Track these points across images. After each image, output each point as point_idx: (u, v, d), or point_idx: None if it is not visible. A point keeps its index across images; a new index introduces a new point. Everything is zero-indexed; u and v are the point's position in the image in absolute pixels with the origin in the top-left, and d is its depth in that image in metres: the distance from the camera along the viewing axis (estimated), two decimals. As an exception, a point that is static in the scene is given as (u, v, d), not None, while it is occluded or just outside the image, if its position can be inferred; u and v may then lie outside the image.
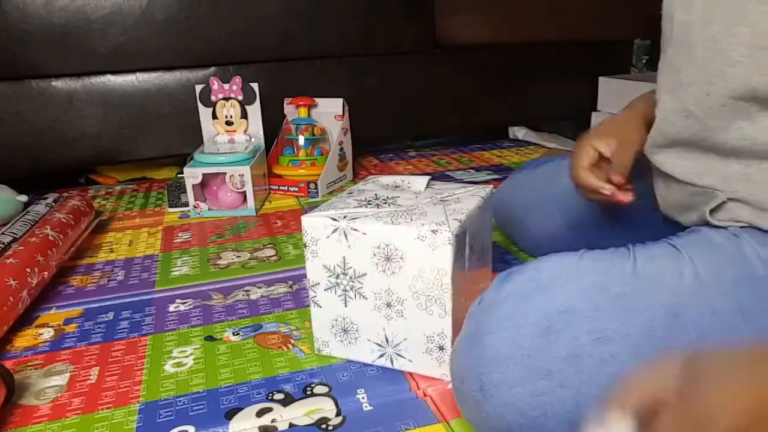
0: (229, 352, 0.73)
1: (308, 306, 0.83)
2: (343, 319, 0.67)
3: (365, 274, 0.63)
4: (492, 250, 0.76)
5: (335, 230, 0.63)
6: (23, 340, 0.78)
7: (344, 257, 0.64)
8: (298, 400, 0.63)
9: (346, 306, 0.66)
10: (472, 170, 1.50)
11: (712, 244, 0.50)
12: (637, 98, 0.73)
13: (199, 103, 1.29)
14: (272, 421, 0.60)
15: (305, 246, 0.65)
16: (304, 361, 0.70)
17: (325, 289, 0.66)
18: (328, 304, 0.67)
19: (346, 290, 0.65)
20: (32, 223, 0.95)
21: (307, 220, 0.64)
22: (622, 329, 0.44)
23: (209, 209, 1.22)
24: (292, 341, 0.74)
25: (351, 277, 0.64)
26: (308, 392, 0.64)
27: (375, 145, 1.70)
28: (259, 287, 0.90)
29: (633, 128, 0.68)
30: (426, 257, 0.60)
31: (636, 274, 0.47)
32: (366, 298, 0.64)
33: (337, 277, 0.65)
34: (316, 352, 0.70)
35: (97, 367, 0.71)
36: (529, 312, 0.47)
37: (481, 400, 0.47)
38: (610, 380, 0.43)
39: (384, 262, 0.62)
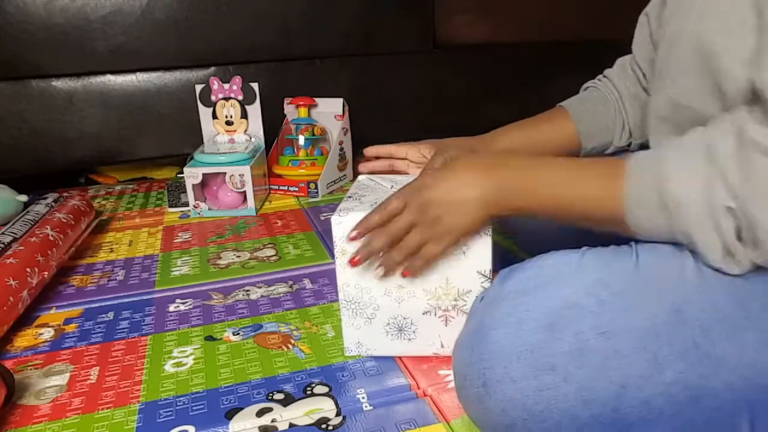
0: (229, 352, 0.73)
1: (308, 306, 0.83)
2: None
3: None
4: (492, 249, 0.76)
5: None
6: (23, 340, 0.78)
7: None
8: (298, 400, 0.63)
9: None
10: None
11: None
12: (499, 129, 0.78)
13: (199, 103, 1.28)
14: (272, 421, 0.60)
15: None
16: (304, 361, 0.70)
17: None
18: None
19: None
20: (32, 223, 0.95)
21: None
22: (625, 324, 0.45)
23: (209, 209, 1.22)
24: (292, 341, 0.74)
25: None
26: (308, 392, 0.64)
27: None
28: (259, 287, 0.90)
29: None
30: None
31: (638, 271, 0.47)
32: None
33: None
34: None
35: (97, 367, 0.71)
36: (532, 307, 0.47)
37: (484, 395, 0.47)
38: (615, 375, 0.44)
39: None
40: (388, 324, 0.66)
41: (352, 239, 0.60)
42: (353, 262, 0.60)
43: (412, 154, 0.78)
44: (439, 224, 0.56)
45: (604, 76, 0.79)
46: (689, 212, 0.43)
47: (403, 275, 0.61)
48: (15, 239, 0.88)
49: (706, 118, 0.50)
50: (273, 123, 1.38)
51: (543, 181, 0.52)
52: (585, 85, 0.82)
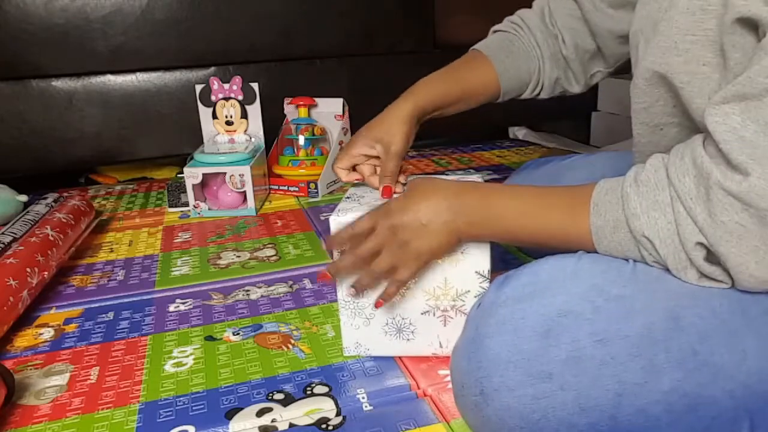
0: (229, 352, 0.73)
1: (308, 306, 0.83)
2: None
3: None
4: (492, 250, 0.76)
5: None
6: (23, 340, 0.78)
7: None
8: (298, 400, 0.63)
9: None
10: (472, 170, 1.50)
11: None
12: (420, 82, 0.76)
13: (199, 103, 1.29)
14: (272, 421, 0.60)
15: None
16: (304, 361, 0.70)
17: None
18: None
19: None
20: (32, 223, 0.95)
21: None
22: (621, 331, 0.44)
23: (209, 209, 1.22)
24: (292, 341, 0.74)
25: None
26: (308, 392, 0.64)
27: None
28: (259, 287, 0.90)
29: (398, 134, 0.69)
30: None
31: (635, 276, 0.47)
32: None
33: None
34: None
35: (97, 367, 0.71)
36: (527, 315, 0.47)
37: (482, 404, 0.47)
38: (611, 382, 0.44)
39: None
40: (387, 324, 0.66)
41: (328, 250, 0.62)
42: (321, 277, 0.62)
43: (358, 160, 0.73)
44: (407, 248, 0.57)
45: (526, 25, 0.78)
46: (661, 247, 0.45)
47: (376, 306, 0.62)
48: (15, 239, 0.88)
49: (689, 130, 0.51)
50: (273, 123, 1.38)
51: (507, 212, 0.54)
52: (503, 29, 0.80)
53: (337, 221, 0.63)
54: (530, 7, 0.81)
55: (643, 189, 0.45)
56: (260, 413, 0.61)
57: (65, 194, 1.14)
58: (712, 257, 0.44)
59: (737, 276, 0.43)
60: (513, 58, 0.77)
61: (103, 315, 0.84)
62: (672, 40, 0.47)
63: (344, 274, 0.63)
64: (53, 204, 1.07)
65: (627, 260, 0.48)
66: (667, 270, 0.46)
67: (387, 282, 0.61)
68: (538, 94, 0.80)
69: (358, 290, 0.62)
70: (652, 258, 0.46)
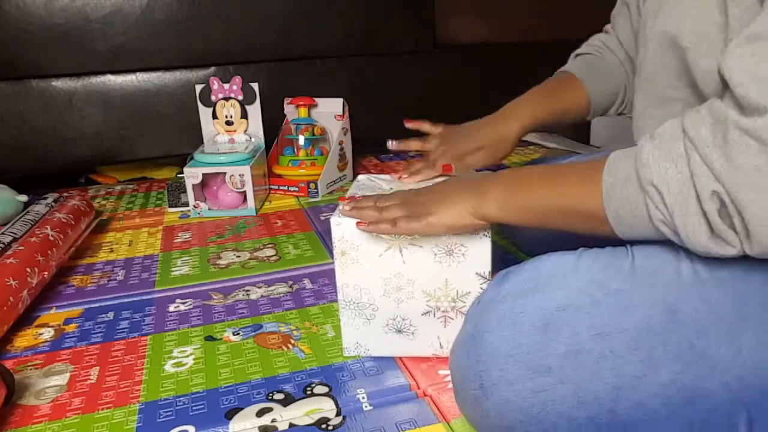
0: (229, 352, 0.73)
1: (308, 306, 0.83)
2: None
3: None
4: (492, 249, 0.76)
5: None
6: (23, 340, 0.78)
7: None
8: (298, 400, 0.63)
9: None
10: (472, 170, 1.50)
11: None
12: (521, 103, 0.84)
13: (199, 103, 1.29)
14: (272, 421, 0.60)
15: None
16: (304, 361, 0.70)
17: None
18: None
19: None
20: (32, 223, 0.95)
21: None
22: (620, 325, 0.45)
23: (209, 209, 1.22)
24: (292, 341, 0.74)
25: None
26: (308, 392, 0.64)
27: (375, 145, 1.70)
28: (259, 287, 0.90)
29: (493, 157, 0.85)
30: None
31: (634, 272, 0.47)
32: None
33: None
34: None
35: (97, 367, 0.71)
36: (527, 309, 0.47)
37: (482, 398, 0.47)
38: (610, 375, 0.44)
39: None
40: (387, 325, 0.67)
41: (342, 199, 0.66)
42: (345, 203, 0.65)
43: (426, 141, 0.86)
44: (422, 206, 0.59)
45: (607, 47, 0.82)
46: (668, 197, 0.42)
47: (357, 225, 0.61)
48: (15, 239, 0.88)
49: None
50: (273, 123, 1.38)
51: (527, 191, 0.54)
52: (586, 51, 0.85)
53: (337, 221, 0.63)
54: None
55: (658, 141, 0.44)
56: (260, 413, 0.61)
57: (65, 194, 1.14)
58: (724, 215, 0.41)
59: (754, 230, 0.39)
60: (603, 77, 0.81)
61: (103, 315, 0.84)
62: (683, 4, 0.48)
63: (361, 209, 0.63)
64: (53, 204, 1.07)
65: (627, 256, 0.48)
66: (675, 233, 0.44)
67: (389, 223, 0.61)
68: (623, 110, 0.83)
69: (359, 214, 0.62)
70: (659, 214, 0.43)
